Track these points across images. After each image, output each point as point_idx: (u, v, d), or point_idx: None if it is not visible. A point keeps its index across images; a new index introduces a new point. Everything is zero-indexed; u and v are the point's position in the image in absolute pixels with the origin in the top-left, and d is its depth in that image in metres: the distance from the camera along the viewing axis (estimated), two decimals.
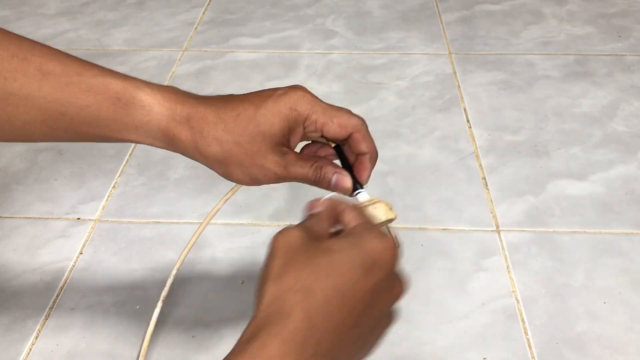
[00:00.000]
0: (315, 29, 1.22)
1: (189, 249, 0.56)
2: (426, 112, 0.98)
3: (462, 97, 1.01)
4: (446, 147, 0.90)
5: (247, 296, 0.69)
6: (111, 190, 0.84)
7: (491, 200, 0.81)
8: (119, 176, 0.86)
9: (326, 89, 1.04)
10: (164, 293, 0.61)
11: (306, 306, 0.31)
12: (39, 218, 0.79)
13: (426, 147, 0.90)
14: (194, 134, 0.43)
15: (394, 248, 0.35)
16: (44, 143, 0.92)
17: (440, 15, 1.26)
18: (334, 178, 0.44)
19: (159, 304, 0.61)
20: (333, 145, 0.47)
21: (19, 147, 0.92)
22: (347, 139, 0.45)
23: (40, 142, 0.47)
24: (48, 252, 0.74)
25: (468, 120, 0.96)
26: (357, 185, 0.45)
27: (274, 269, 0.33)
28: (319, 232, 0.36)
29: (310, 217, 0.37)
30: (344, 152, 0.47)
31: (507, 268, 0.71)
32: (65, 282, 0.71)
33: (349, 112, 0.45)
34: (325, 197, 0.39)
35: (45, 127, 0.43)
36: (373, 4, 1.31)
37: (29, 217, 0.80)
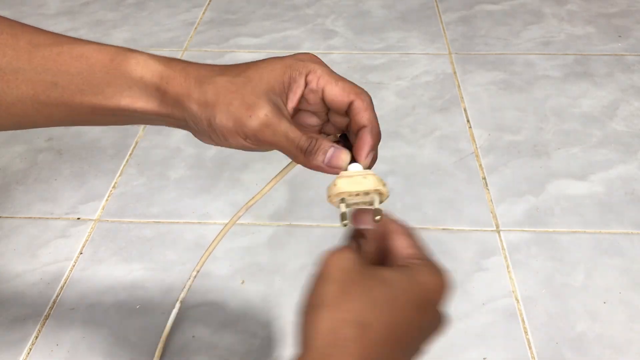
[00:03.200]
0: (315, 29, 1.22)
1: (220, 240, 0.53)
2: (426, 112, 0.98)
3: (462, 97, 1.01)
4: (446, 147, 0.90)
5: (247, 296, 0.69)
6: (111, 190, 0.84)
7: (491, 200, 0.81)
8: (119, 176, 0.86)
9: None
10: (182, 295, 0.61)
11: (364, 342, 0.30)
12: (39, 218, 0.79)
13: (426, 147, 0.90)
14: (189, 80, 0.40)
15: (448, 284, 0.34)
16: (44, 142, 0.92)
17: (440, 15, 1.26)
18: (331, 151, 0.39)
19: (177, 305, 0.62)
20: (338, 135, 0.43)
21: (19, 147, 0.92)
22: (348, 112, 0.40)
23: (32, 128, 0.45)
24: (48, 252, 0.74)
25: (468, 120, 0.96)
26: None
27: (329, 294, 0.31)
28: (368, 255, 0.34)
29: (359, 237, 0.36)
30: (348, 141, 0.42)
31: (507, 268, 0.71)
32: (65, 282, 0.71)
33: (355, 84, 0.41)
34: (376, 218, 0.36)
35: (37, 103, 0.41)
36: (373, 4, 1.31)
37: (29, 217, 0.80)
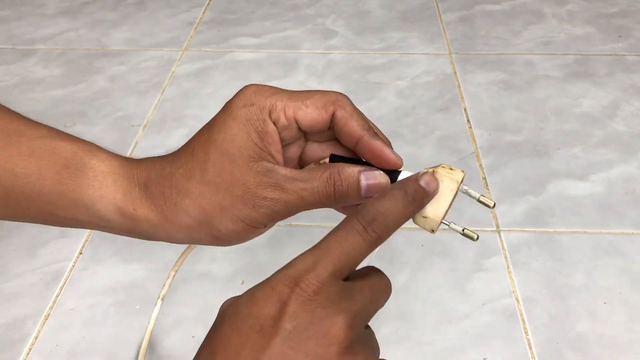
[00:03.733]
0: (315, 29, 1.22)
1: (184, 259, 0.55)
2: (426, 112, 0.98)
3: (463, 97, 1.01)
4: (446, 147, 0.90)
5: None
6: None
7: (491, 200, 0.81)
8: None
9: (326, 89, 1.03)
10: (163, 291, 0.61)
11: None
12: None
13: (426, 147, 0.90)
14: (156, 202, 0.33)
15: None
16: None
17: (440, 15, 1.26)
18: (363, 179, 0.32)
19: (159, 302, 0.61)
20: (327, 159, 0.36)
21: None
22: (332, 127, 0.34)
23: None
24: (48, 252, 0.74)
25: (468, 120, 0.95)
26: (391, 173, 0.33)
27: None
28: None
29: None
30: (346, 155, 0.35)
31: (508, 268, 0.71)
32: (65, 282, 0.71)
33: (323, 91, 0.34)
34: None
35: None
36: (373, 3, 1.31)
37: None
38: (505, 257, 0.73)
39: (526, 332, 0.64)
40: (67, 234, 0.77)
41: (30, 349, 0.64)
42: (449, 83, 1.05)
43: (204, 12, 1.29)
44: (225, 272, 0.72)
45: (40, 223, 0.37)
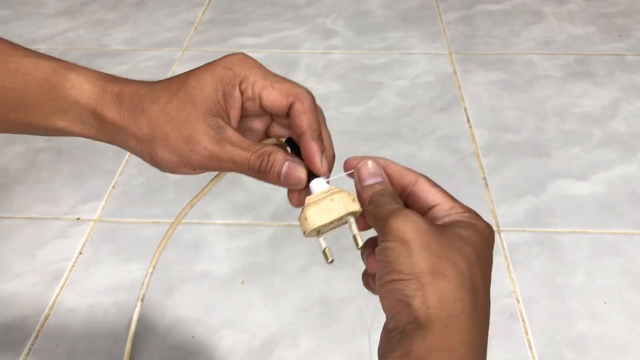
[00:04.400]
0: (315, 29, 1.21)
1: (164, 246, 0.53)
2: (426, 112, 0.97)
3: (463, 97, 1.01)
4: (446, 147, 0.90)
5: (247, 296, 0.69)
6: (111, 190, 0.84)
7: (492, 200, 0.81)
8: (118, 176, 0.86)
9: (326, 89, 1.04)
10: (142, 292, 0.60)
11: (476, 304, 0.31)
12: (39, 218, 0.79)
13: (426, 147, 0.90)
14: (122, 110, 0.38)
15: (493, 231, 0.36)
16: (44, 142, 0.92)
17: (440, 15, 1.26)
18: (285, 166, 0.36)
19: (138, 303, 0.60)
20: (283, 139, 0.39)
21: (18, 147, 0.92)
22: (289, 115, 0.37)
23: None
24: (48, 252, 0.74)
25: (468, 120, 0.95)
26: (312, 176, 0.36)
27: (423, 262, 0.30)
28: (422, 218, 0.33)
29: (388, 197, 0.34)
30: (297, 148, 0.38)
31: (508, 268, 0.71)
32: (65, 282, 0.71)
33: (294, 83, 0.37)
34: (359, 158, 0.36)
35: None
36: (373, 3, 1.31)
37: (29, 217, 0.80)
38: (505, 257, 0.73)
39: (526, 332, 0.64)
40: (67, 234, 0.77)
41: (30, 349, 0.64)
42: (449, 83, 1.05)
43: (204, 12, 1.29)
44: (225, 272, 0.71)
45: (25, 133, 0.42)
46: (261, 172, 0.36)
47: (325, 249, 0.36)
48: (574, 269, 0.71)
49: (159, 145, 0.37)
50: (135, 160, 0.89)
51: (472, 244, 0.33)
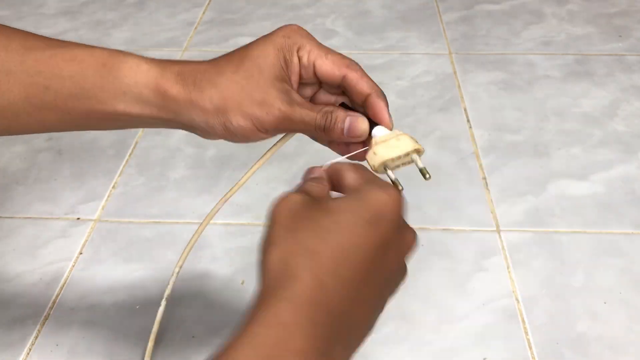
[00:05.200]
0: (315, 29, 1.21)
1: (199, 233, 0.53)
2: (426, 112, 0.98)
3: (463, 97, 1.01)
4: (446, 147, 0.90)
5: (247, 296, 0.69)
6: (111, 190, 0.84)
7: (491, 200, 0.81)
8: (118, 176, 0.86)
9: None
10: (167, 292, 0.61)
11: (314, 267, 0.30)
12: (39, 218, 0.79)
13: (426, 147, 0.89)
14: (187, 85, 0.39)
15: (399, 198, 0.33)
16: (44, 142, 0.92)
17: (440, 15, 1.26)
18: (348, 121, 0.39)
19: (163, 303, 0.61)
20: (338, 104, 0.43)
21: (18, 147, 0.92)
22: (342, 85, 0.41)
23: (25, 133, 0.44)
24: (48, 252, 0.74)
25: (468, 120, 0.95)
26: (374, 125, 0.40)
27: (277, 234, 0.32)
28: (318, 195, 0.34)
29: (310, 181, 0.36)
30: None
31: (508, 268, 0.71)
32: (65, 282, 0.71)
33: (344, 55, 0.42)
34: (325, 164, 0.37)
35: (29, 106, 0.40)
36: (373, 3, 1.31)
37: (29, 217, 0.80)
38: (505, 257, 0.73)
39: (526, 332, 0.64)
40: (67, 234, 0.77)
41: (30, 349, 0.64)
42: (449, 83, 1.05)
43: (204, 12, 1.29)
44: (225, 272, 0.72)
45: (83, 125, 0.42)
46: (326, 130, 0.39)
47: (395, 179, 0.39)
48: (573, 269, 0.71)
49: (233, 113, 0.39)
50: (136, 160, 0.90)
51: (345, 216, 0.32)
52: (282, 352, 0.28)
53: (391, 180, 0.38)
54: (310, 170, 0.38)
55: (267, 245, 0.32)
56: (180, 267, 0.57)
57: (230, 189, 0.48)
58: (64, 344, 0.64)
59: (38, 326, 0.66)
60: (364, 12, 1.28)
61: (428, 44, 1.16)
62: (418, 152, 0.40)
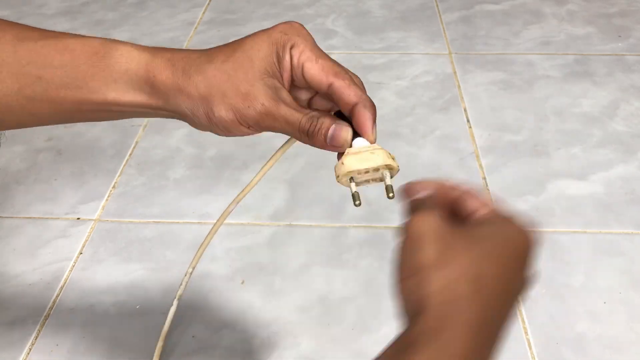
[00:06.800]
0: (315, 29, 1.21)
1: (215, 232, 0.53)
2: (426, 112, 0.98)
3: (462, 97, 1.01)
4: (446, 147, 0.90)
5: (247, 296, 0.69)
6: (111, 190, 0.84)
7: (491, 200, 0.81)
8: (119, 176, 0.86)
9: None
10: (179, 292, 0.61)
11: (479, 297, 0.30)
12: (39, 218, 0.79)
13: (426, 147, 0.90)
14: (176, 71, 0.39)
15: (533, 240, 0.35)
16: (44, 142, 0.92)
17: (440, 15, 1.26)
18: (332, 129, 0.37)
19: (175, 302, 0.61)
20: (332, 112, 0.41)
21: (18, 147, 0.92)
22: (329, 94, 0.39)
23: (18, 127, 0.43)
24: (48, 252, 0.74)
25: (468, 120, 0.95)
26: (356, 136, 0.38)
27: (432, 255, 0.31)
28: (443, 217, 0.33)
29: (426, 203, 0.35)
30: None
31: None
32: (65, 282, 0.71)
33: (338, 63, 0.39)
34: (426, 182, 0.36)
35: (21, 98, 0.40)
36: (373, 3, 1.31)
37: (29, 217, 0.80)
38: None
39: (526, 332, 0.64)
40: (67, 234, 0.77)
41: (30, 349, 0.64)
42: (449, 83, 1.05)
43: (204, 12, 1.29)
44: (225, 272, 0.72)
45: (75, 117, 0.41)
46: (310, 134, 0.38)
47: (354, 192, 0.37)
48: (573, 269, 0.71)
49: (216, 103, 0.38)
50: (136, 160, 0.90)
51: (494, 246, 0.32)
52: None
53: (351, 193, 0.37)
54: (412, 187, 0.36)
55: (423, 267, 0.31)
56: (194, 267, 0.57)
57: (242, 190, 0.47)
58: (64, 344, 0.64)
59: (38, 326, 0.66)
60: (363, 12, 1.28)
61: (428, 44, 1.16)
62: (391, 169, 0.38)
